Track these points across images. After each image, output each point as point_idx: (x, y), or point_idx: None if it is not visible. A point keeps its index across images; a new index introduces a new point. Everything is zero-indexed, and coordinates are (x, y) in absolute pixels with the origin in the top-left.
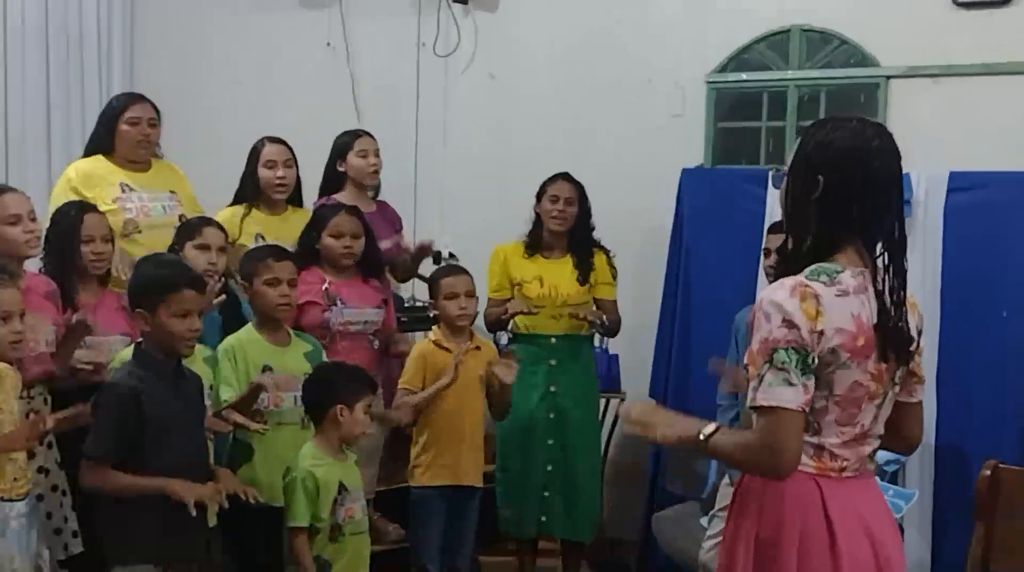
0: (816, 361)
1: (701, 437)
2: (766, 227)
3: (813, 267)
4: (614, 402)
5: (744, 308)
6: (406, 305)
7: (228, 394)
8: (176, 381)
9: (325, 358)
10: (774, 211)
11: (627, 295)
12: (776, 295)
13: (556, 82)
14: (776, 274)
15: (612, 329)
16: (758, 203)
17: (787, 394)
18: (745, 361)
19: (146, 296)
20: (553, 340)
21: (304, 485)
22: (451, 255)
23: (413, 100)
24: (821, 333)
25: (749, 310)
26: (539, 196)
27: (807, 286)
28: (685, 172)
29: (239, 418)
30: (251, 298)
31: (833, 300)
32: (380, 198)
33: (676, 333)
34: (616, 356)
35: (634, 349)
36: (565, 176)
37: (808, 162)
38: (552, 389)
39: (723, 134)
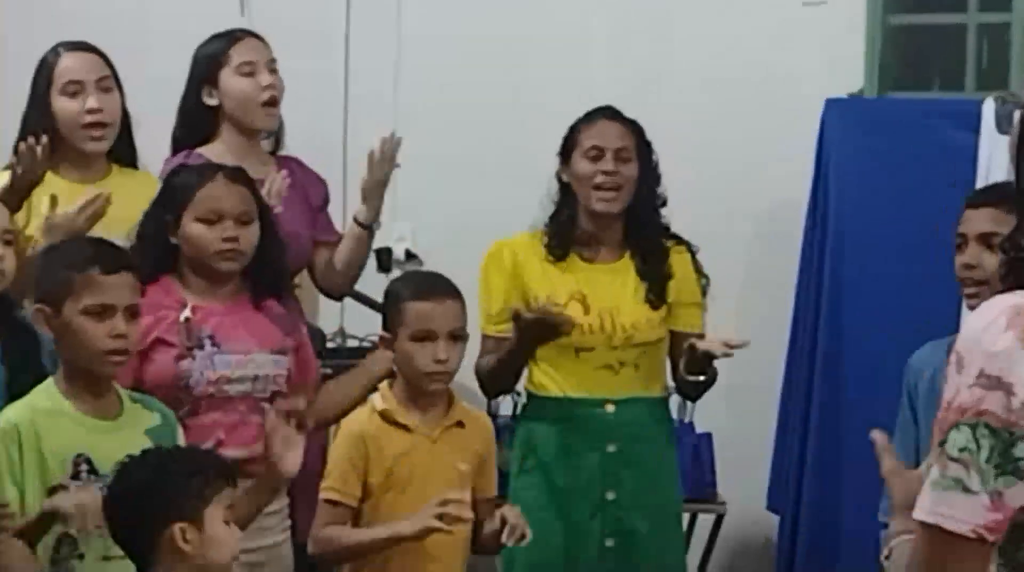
0: None
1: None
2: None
3: None
4: (705, 518)
5: (929, 344)
6: (330, 344)
7: (12, 494)
8: None
9: (180, 439)
10: (989, 170)
11: (725, 322)
12: (980, 323)
13: None
14: (978, 288)
15: (698, 391)
16: (960, 157)
17: (959, 506)
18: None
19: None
20: (609, 408)
21: None
22: (408, 256)
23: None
24: None
25: (937, 349)
26: (566, 151)
27: None
28: (831, 106)
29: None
30: (57, 336)
31: None
32: (284, 153)
33: (815, 387)
34: (707, 436)
35: (738, 421)
36: (610, 112)
37: None
38: (609, 496)
39: (898, 36)
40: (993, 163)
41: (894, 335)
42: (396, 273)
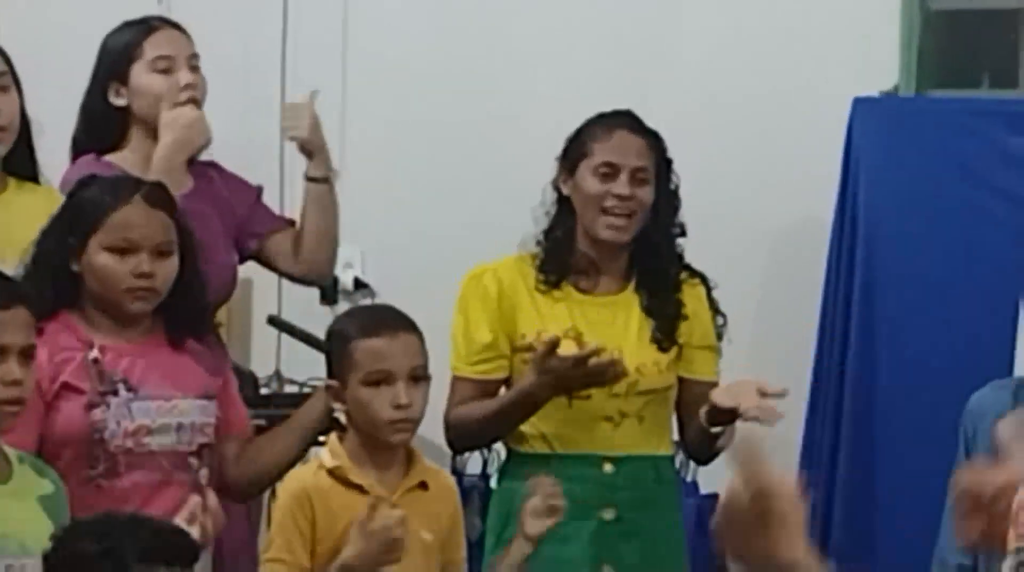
0: None
1: None
2: None
3: None
4: None
5: (990, 386)
6: (264, 390)
7: None
8: None
9: (69, 515)
10: None
11: (735, 365)
12: None
13: None
14: None
15: (711, 449)
16: (1015, 167)
17: None
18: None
19: None
20: (608, 467)
21: None
22: (358, 285)
23: None
24: None
25: (1000, 392)
26: (569, 162)
27: None
28: (860, 106)
29: None
30: None
31: None
32: (207, 157)
33: (842, 444)
34: (714, 498)
35: None
36: (631, 122)
37: None
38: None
39: (940, 24)
40: None
41: (936, 379)
42: (344, 306)
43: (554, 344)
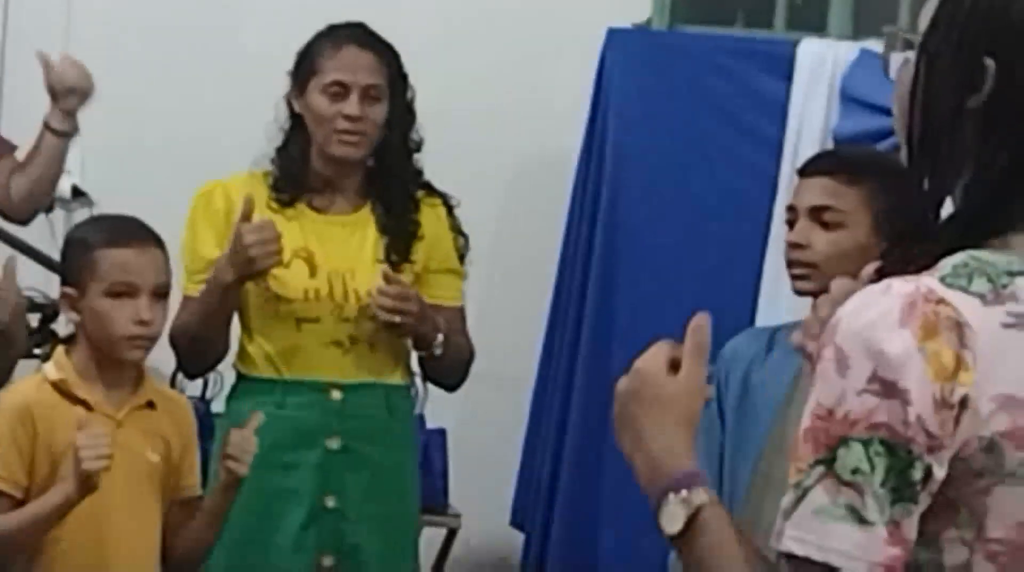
0: (935, 472)
1: (665, 524)
2: (790, 158)
3: (958, 258)
4: (433, 533)
5: (745, 333)
6: None
7: None
8: None
9: None
10: (802, 125)
11: (469, 297)
12: (867, 316)
13: None
14: (806, 270)
15: (453, 367)
16: (767, 108)
17: (849, 539)
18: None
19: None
20: (336, 394)
21: None
22: (76, 193)
23: None
24: (962, 407)
25: (755, 339)
26: (300, 76)
27: (941, 301)
28: (614, 37)
29: None
30: None
31: (997, 334)
32: None
33: (577, 380)
34: (440, 433)
35: (479, 417)
36: (361, 36)
37: (967, 31)
38: (329, 504)
39: None
40: (806, 117)
41: (677, 317)
42: (60, 214)
43: (246, 214)
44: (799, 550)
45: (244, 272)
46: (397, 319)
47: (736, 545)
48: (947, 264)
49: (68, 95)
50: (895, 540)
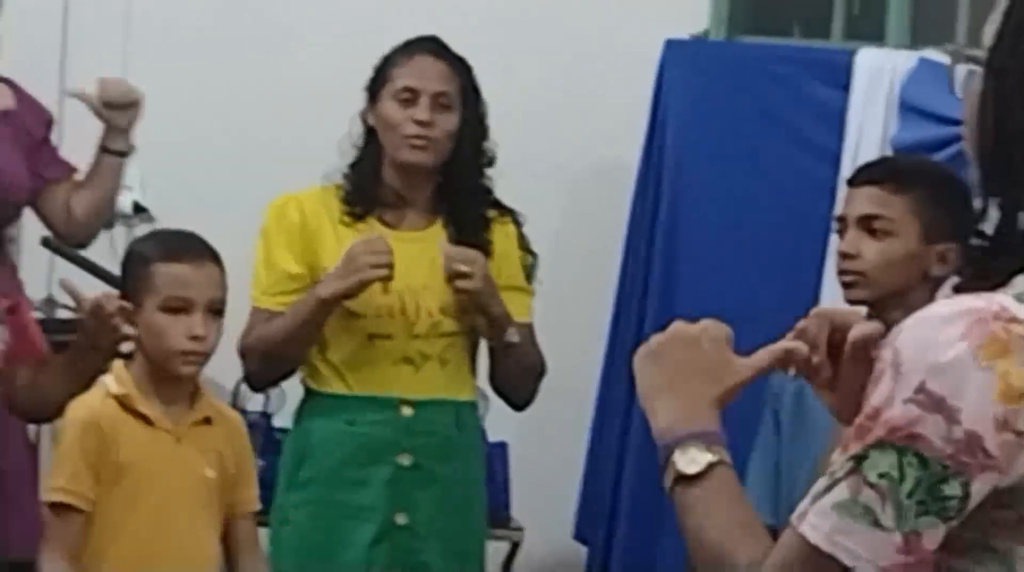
0: (973, 490)
1: (667, 480)
2: (848, 168)
3: None
4: (495, 546)
5: None
6: (36, 314)
7: None
8: None
9: None
10: (860, 136)
11: (534, 303)
12: (929, 327)
13: None
14: (856, 278)
15: (526, 378)
16: (824, 119)
17: (863, 541)
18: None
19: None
20: (406, 411)
21: None
22: (137, 209)
23: None
24: None
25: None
26: (374, 87)
27: (1014, 319)
28: (672, 48)
29: None
30: None
31: None
32: None
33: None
34: (501, 446)
35: (541, 430)
36: (432, 46)
37: None
38: (399, 520)
39: None
40: (865, 127)
41: (737, 328)
42: (121, 230)
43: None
44: (812, 536)
45: (352, 287)
46: (464, 268)
47: (743, 503)
48: (1022, 281)
49: (114, 112)
50: (910, 549)
